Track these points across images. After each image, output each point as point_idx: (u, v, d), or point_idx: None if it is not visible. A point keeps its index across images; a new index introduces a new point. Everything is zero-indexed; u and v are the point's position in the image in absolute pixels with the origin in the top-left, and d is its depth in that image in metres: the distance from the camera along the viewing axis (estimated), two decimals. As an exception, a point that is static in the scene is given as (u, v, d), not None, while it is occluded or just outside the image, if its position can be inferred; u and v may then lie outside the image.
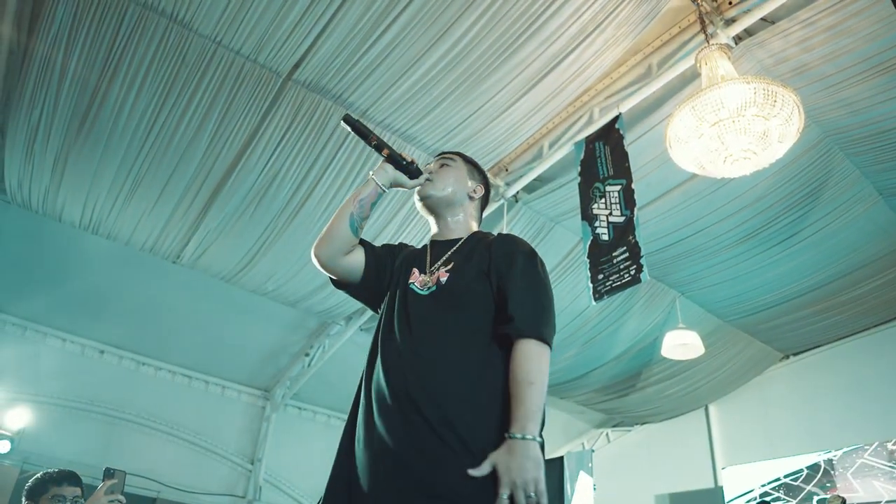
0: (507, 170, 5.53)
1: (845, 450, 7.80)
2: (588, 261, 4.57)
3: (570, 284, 6.70)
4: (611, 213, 4.51)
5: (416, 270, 1.75)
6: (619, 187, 4.50)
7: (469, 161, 1.99)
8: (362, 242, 1.83)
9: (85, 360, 7.18)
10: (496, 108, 4.82)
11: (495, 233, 1.88)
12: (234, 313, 7.08)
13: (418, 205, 1.90)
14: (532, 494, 1.33)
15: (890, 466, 7.38)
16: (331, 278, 1.82)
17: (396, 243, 2.00)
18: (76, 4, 4.00)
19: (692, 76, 4.60)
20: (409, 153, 1.83)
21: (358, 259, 1.79)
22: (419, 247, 1.93)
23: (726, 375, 9.10)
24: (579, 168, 4.89)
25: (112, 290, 6.63)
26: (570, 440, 10.69)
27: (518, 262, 1.66)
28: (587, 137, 4.93)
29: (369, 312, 7.02)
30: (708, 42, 4.26)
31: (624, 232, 4.36)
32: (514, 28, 4.28)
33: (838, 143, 5.54)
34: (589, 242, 4.64)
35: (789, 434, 8.57)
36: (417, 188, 1.85)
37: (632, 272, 4.23)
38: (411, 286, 1.70)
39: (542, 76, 4.66)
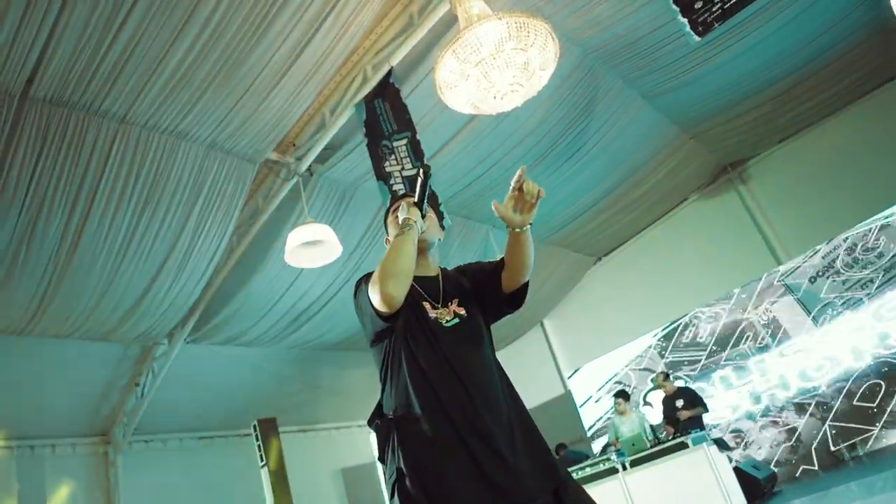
0: (294, 145, 5.36)
1: (667, 327, 8.69)
2: (391, 219, 4.58)
3: (384, 246, 6.71)
4: (403, 168, 4.54)
5: (427, 305, 2.00)
6: (405, 141, 4.53)
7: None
8: None
9: None
10: (265, 86, 4.63)
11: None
12: (42, 365, 6.35)
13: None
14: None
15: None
16: (382, 313, 1.90)
17: None
18: None
19: (454, 20, 4.65)
20: None
21: None
22: None
23: (551, 289, 9.76)
24: (364, 129, 4.86)
25: None
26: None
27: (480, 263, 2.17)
28: (365, 97, 4.90)
29: (191, 323, 6.61)
30: (458, -17, 4.33)
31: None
32: (262, 0, 4.10)
33: (599, 59, 5.98)
34: (388, 201, 4.65)
35: (618, 327, 9.41)
36: (422, 231, 2.03)
37: (434, 222, 4.30)
38: (436, 320, 1.98)
39: (304, 43, 4.52)
